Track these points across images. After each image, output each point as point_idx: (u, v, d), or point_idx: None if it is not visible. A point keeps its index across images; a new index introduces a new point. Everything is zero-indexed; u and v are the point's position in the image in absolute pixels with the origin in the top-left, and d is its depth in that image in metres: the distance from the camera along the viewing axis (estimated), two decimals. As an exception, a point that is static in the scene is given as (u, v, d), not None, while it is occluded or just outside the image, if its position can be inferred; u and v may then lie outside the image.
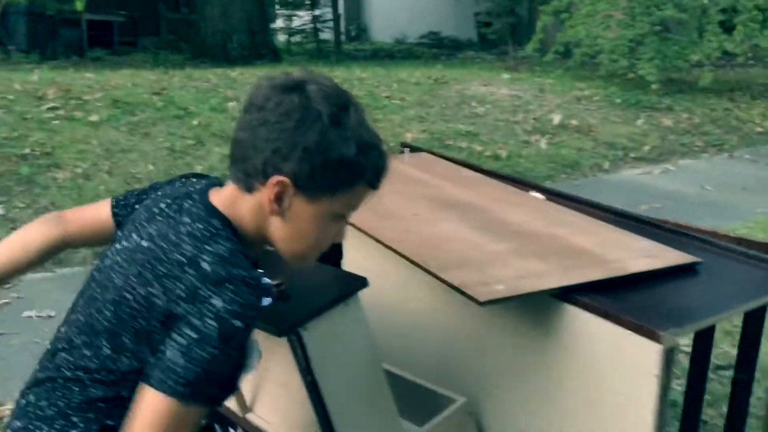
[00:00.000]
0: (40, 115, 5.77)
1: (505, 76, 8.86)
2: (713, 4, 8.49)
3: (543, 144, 6.65)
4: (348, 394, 1.59)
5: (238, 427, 1.96)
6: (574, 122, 7.22)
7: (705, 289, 1.57)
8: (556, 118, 7.19)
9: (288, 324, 1.53)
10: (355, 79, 7.86)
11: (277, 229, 1.17)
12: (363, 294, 1.64)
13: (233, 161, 1.16)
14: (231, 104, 6.50)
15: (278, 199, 1.12)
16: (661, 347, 1.32)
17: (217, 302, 1.05)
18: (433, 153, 2.48)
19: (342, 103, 1.12)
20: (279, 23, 16.45)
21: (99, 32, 12.41)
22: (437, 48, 15.65)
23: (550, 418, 1.60)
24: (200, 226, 1.13)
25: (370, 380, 1.64)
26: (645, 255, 1.65)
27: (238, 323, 1.06)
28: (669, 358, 1.34)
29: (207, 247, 1.10)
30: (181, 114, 6.19)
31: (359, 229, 1.84)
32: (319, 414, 1.57)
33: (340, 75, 8.02)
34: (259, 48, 12.15)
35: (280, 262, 1.98)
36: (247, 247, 1.16)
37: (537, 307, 1.57)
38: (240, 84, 7.36)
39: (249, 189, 1.14)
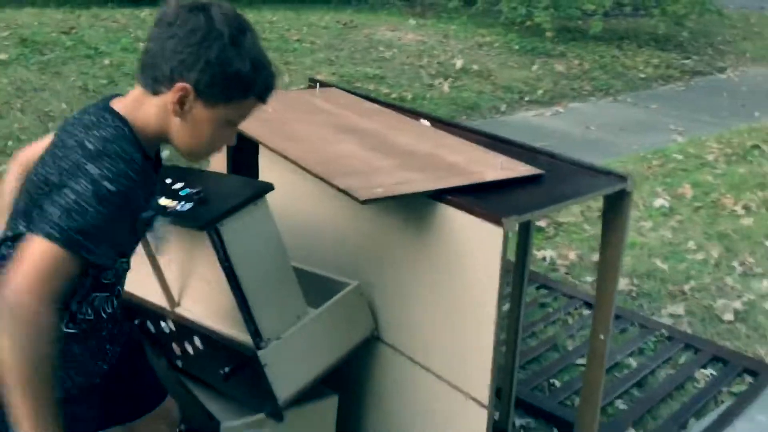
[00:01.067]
0: (-56, 53, 5.74)
1: (412, 22, 9.18)
2: (606, -44, 9.03)
3: (446, 87, 7.06)
4: (260, 279, 1.94)
5: (168, 319, 2.29)
6: (475, 67, 7.65)
7: (545, 192, 1.98)
8: (459, 63, 7.60)
9: (207, 221, 1.85)
10: (266, 22, 8.01)
11: (177, 129, 1.36)
12: (274, 204, 1.97)
13: (142, 68, 1.35)
14: (143, 45, 6.58)
15: (181, 102, 1.32)
16: (503, 229, 1.72)
17: (93, 170, 1.25)
18: (339, 88, 2.82)
19: (240, 27, 1.31)
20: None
21: (-7, -33, 11.90)
22: (348, -9, 15.74)
23: (425, 295, 2.00)
24: (93, 119, 1.34)
25: (278, 268, 1.99)
26: (501, 168, 2.06)
27: (111, 187, 1.24)
28: (522, 235, 1.75)
29: (94, 132, 1.31)
30: (91, 54, 6.24)
31: (271, 149, 2.18)
32: (237, 296, 1.91)
33: (251, 18, 8.05)
34: (163, -12, 11.98)
35: (200, 175, 2.30)
36: (145, 140, 1.37)
37: (413, 207, 1.95)
38: (149, 24, 7.38)
39: (155, 92, 1.33)
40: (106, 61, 6.16)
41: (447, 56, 7.85)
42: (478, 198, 1.86)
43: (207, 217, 1.86)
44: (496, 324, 1.80)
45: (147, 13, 8.01)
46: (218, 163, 2.74)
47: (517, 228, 1.76)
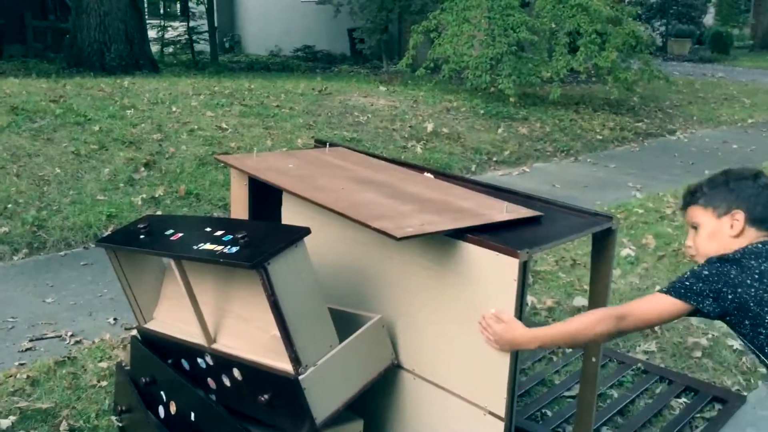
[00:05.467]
0: (-62, 121, 5.91)
1: (382, 88, 9.65)
2: (560, 28, 9.65)
3: (419, 149, 7.45)
4: (299, 311, 2.18)
5: (206, 355, 2.51)
6: (444, 130, 8.09)
7: (545, 230, 2.30)
8: (429, 127, 8.03)
9: (257, 260, 2.11)
10: (245, 90, 8.36)
11: None
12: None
13: None
14: (129, 112, 6.85)
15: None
16: (519, 260, 2.03)
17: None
18: (346, 147, 3.13)
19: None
20: (151, 34, 16.56)
21: (-38, 39, 12.17)
22: (311, 61, 16.29)
23: (443, 323, 2.27)
24: None
25: (314, 302, 2.25)
26: (507, 211, 2.37)
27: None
28: (523, 269, 2.05)
29: None
30: (81, 120, 6.48)
31: (301, 198, 2.46)
32: (280, 326, 2.16)
33: (230, 86, 8.50)
34: (137, 58, 12.34)
35: (236, 223, 2.56)
36: None
37: (432, 245, 2.25)
38: (133, 93, 7.68)
39: None
40: (96, 128, 6.40)
41: (418, 120, 8.28)
42: (492, 235, 2.16)
43: (255, 257, 2.12)
44: (511, 343, 2.08)
45: (129, 82, 8.30)
46: (239, 212, 3.00)
47: (528, 258, 2.07)
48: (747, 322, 1.83)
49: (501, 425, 2.16)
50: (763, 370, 1.86)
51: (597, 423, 3.10)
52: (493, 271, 2.09)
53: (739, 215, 1.95)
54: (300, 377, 2.17)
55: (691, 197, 2.04)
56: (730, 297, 1.82)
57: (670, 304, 1.89)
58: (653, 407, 3.26)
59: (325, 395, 2.24)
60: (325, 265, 2.58)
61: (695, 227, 2.00)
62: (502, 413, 2.15)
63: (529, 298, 4.36)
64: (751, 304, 1.81)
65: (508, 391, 2.13)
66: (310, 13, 16.90)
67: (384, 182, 2.66)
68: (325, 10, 15.43)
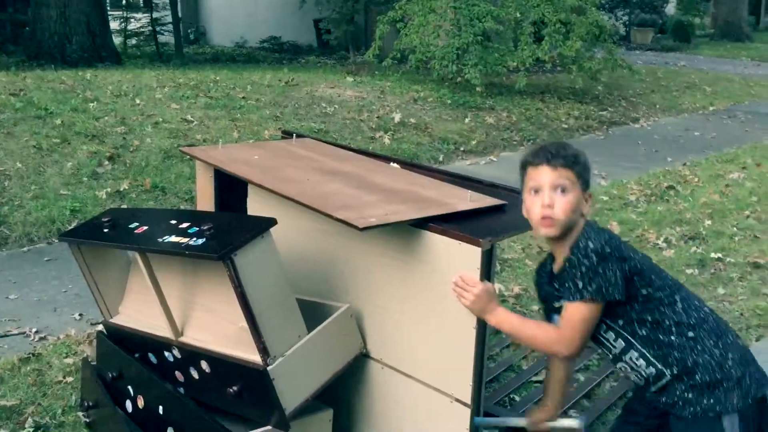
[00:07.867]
0: None
1: (349, 79, 9.62)
2: (525, 18, 9.71)
3: (386, 140, 7.46)
4: (267, 302, 2.19)
5: (173, 348, 2.50)
6: (412, 120, 8.10)
7: (509, 218, 2.33)
8: (397, 117, 8.03)
9: (223, 252, 2.11)
10: (210, 82, 8.28)
11: None
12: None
13: None
14: (92, 105, 6.74)
15: None
16: (481, 249, 2.05)
17: None
18: (313, 138, 3.12)
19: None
20: (113, 25, 16.24)
21: None
22: (278, 52, 16.16)
23: (409, 311, 2.30)
24: None
25: (281, 292, 2.25)
26: (470, 200, 2.39)
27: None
28: (486, 257, 2.07)
29: None
30: (42, 114, 6.36)
31: (266, 189, 2.46)
32: (248, 317, 2.16)
33: (195, 77, 8.40)
34: (99, 50, 12.12)
35: (201, 215, 2.55)
36: None
37: (397, 235, 2.26)
38: (96, 86, 7.56)
39: None
40: (57, 121, 6.29)
41: (385, 111, 8.28)
42: (456, 224, 2.18)
43: (222, 249, 2.11)
44: (477, 330, 2.11)
45: (92, 74, 8.16)
46: (205, 204, 2.99)
47: (490, 247, 2.10)
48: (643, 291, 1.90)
49: (467, 412, 2.19)
50: None
51: (564, 405, 3.16)
52: (457, 260, 2.11)
53: (590, 197, 1.97)
54: (268, 368, 2.18)
55: (569, 160, 1.93)
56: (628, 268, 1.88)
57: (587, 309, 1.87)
58: (618, 390, 3.33)
59: (294, 385, 2.25)
60: (292, 256, 2.58)
61: (562, 189, 1.91)
62: (468, 400, 2.18)
63: (497, 285, 4.39)
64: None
65: (474, 378, 2.16)
66: (276, 4, 16.76)
67: (350, 173, 2.66)
68: (290, 1, 15.31)
